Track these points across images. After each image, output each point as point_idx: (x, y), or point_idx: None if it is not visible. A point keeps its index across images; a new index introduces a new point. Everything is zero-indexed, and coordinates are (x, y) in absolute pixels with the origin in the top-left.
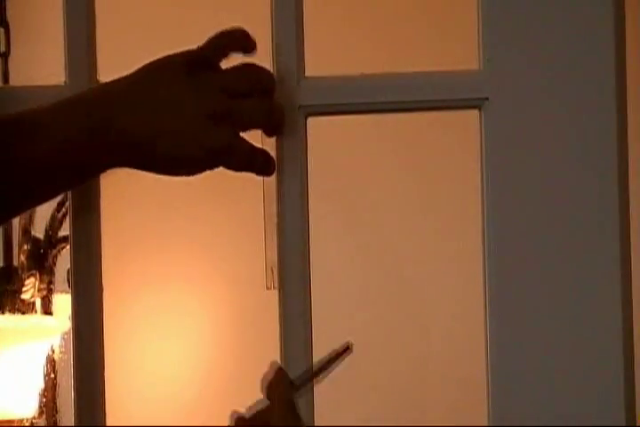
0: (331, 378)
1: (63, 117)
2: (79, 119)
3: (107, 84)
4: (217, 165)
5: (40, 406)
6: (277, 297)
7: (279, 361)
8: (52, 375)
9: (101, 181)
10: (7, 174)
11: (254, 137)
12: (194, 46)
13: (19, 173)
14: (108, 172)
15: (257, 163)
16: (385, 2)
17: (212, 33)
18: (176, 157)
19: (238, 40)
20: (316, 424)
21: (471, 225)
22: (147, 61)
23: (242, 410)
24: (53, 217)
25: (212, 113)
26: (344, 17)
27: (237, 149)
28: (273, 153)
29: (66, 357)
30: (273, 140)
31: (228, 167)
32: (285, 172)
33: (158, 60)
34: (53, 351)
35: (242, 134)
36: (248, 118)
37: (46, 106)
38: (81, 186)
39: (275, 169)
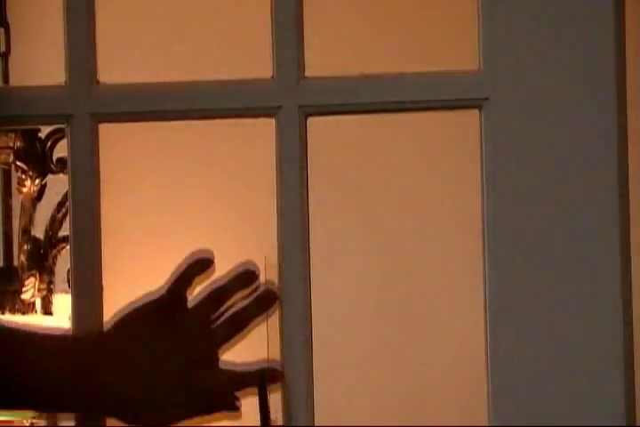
0: (331, 378)
1: (48, 363)
2: (61, 372)
3: (88, 343)
4: (205, 408)
5: None
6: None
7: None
8: None
9: (101, 182)
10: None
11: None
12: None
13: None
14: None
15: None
16: (385, 2)
17: (211, 34)
18: (149, 416)
19: (197, 270)
20: (315, 424)
21: (471, 225)
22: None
23: None
24: (53, 217)
25: (189, 353)
26: (344, 17)
27: (221, 383)
28: (273, 154)
29: None
30: (272, 140)
31: (218, 402)
32: (285, 172)
33: (129, 315)
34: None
35: None
36: (227, 336)
37: (37, 340)
38: (80, 186)
39: (281, 378)
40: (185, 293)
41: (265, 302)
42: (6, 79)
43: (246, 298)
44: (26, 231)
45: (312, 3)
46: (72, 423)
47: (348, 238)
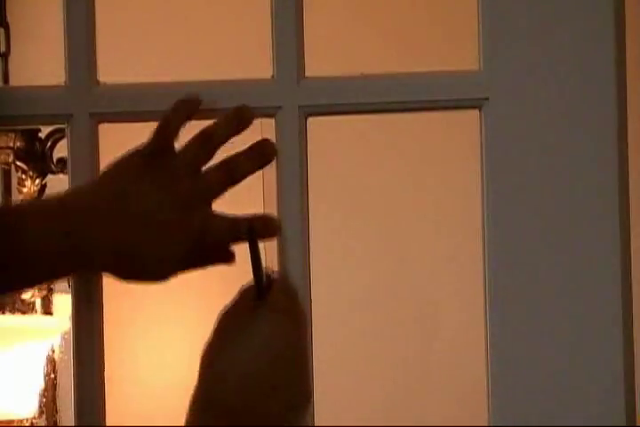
0: (331, 378)
1: (43, 230)
2: (58, 237)
3: (78, 197)
4: (195, 264)
5: (40, 406)
6: None
7: None
8: (52, 375)
9: None
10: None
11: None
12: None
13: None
14: None
15: (245, 230)
16: (385, 2)
17: (211, 34)
18: (151, 264)
19: (182, 114)
20: (316, 424)
21: (471, 225)
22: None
23: None
24: None
25: (179, 200)
26: (344, 17)
27: (213, 226)
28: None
29: (66, 357)
30: (272, 140)
31: (209, 259)
32: (285, 172)
33: (118, 163)
34: (53, 351)
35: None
36: (216, 187)
37: (29, 208)
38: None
39: (276, 231)
40: (171, 140)
41: (262, 153)
42: (6, 79)
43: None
44: None
45: (312, 3)
46: (72, 423)
47: (348, 238)
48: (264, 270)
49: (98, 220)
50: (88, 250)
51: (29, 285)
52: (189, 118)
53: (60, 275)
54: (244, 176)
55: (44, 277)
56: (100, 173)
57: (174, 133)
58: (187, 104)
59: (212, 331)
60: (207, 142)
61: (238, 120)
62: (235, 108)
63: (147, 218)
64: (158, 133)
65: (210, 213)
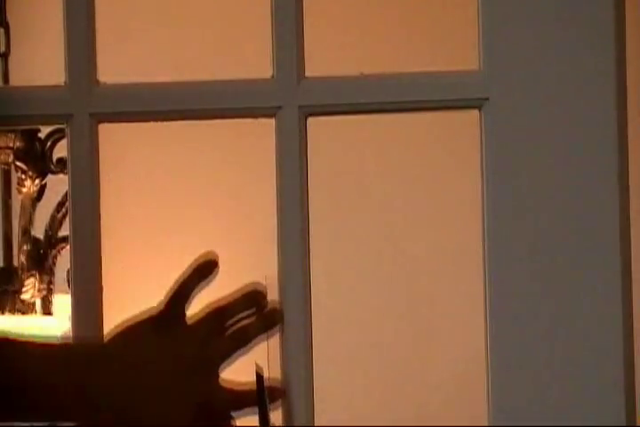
0: (331, 378)
1: (46, 375)
2: (60, 390)
3: (87, 355)
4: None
5: None
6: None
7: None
8: None
9: (101, 182)
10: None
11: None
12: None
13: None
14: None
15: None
16: (385, 2)
17: (211, 34)
18: (162, 424)
19: (198, 279)
20: (316, 424)
21: (471, 225)
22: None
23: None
24: (53, 217)
25: (186, 367)
26: (344, 17)
27: (217, 400)
28: (273, 154)
29: None
30: (272, 140)
31: (216, 415)
32: (285, 172)
33: (129, 327)
34: None
35: None
36: (225, 355)
37: (35, 350)
38: (80, 186)
39: (281, 396)
40: (183, 307)
41: (270, 322)
42: (6, 79)
43: (251, 316)
44: (25, 231)
45: (312, 3)
46: (72, 424)
47: (349, 238)
48: None
49: (102, 375)
50: (87, 402)
51: (19, 420)
52: (206, 283)
53: (53, 418)
54: (250, 343)
55: (32, 416)
56: (112, 334)
57: (188, 299)
58: (202, 269)
59: None
60: (219, 319)
61: (251, 302)
62: (252, 291)
63: (151, 384)
64: (172, 300)
65: (216, 383)
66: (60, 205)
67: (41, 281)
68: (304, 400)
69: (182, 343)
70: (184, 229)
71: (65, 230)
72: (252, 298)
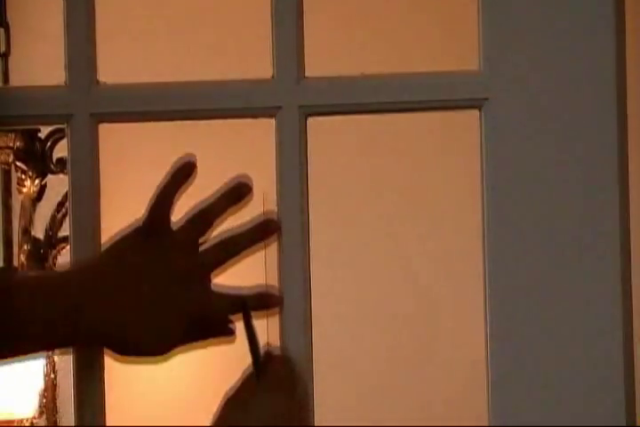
0: (331, 378)
1: (43, 304)
2: (58, 310)
3: (80, 273)
4: (193, 338)
5: (40, 407)
6: None
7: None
8: (52, 376)
9: (101, 182)
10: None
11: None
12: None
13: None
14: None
15: (245, 307)
16: (385, 2)
17: (211, 34)
18: (148, 343)
19: (177, 184)
20: (316, 424)
21: (471, 225)
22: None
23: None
24: (53, 218)
25: (176, 277)
26: (344, 17)
27: (210, 307)
28: (273, 154)
29: (66, 357)
30: (272, 140)
31: (206, 333)
32: (285, 172)
33: (119, 241)
34: (53, 351)
35: None
36: (212, 264)
37: (31, 281)
38: (80, 186)
39: (275, 305)
40: (167, 214)
41: (263, 231)
42: (6, 79)
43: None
44: (26, 231)
45: (312, 3)
46: (72, 424)
47: (349, 238)
48: (260, 348)
49: (97, 295)
50: (86, 325)
51: (14, 354)
52: (185, 186)
53: (55, 347)
54: (242, 251)
55: (35, 348)
56: (102, 249)
57: (170, 205)
58: (180, 172)
59: (216, 412)
60: (204, 219)
61: (235, 197)
62: (232, 186)
63: (145, 294)
64: (153, 209)
65: (209, 289)
66: (60, 205)
67: None
68: (302, 314)
69: (170, 250)
70: None
71: (65, 230)
72: (235, 192)
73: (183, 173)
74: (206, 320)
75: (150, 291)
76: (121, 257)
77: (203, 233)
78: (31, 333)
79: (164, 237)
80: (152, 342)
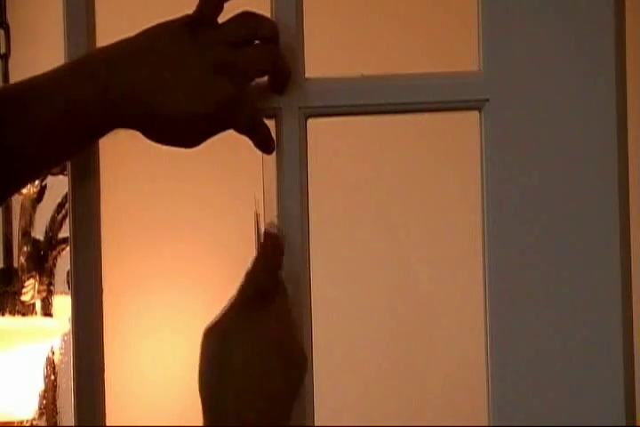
0: (331, 378)
1: (68, 80)
2: (82, 80)
3: (107, 46)
4: (221, 126)
5: (40, 408)
6: None
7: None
8: (52, 377)
9: (101, 182)
10: (18, 137)
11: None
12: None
13: (24, 137)
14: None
15: (260, 129)
16: (385, 2)
17: None
18: (178, 115)
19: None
20: (316, 424)
21: (471, 226)
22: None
23: None
24: (53, 219)
25: (215, 65)
26: (344, 17)
27: (243, 102)
28: (273, 157)
29: (66, 358)
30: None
31: (234, 125)
32: (285, 172)
33: (158, 24)
34: (53, 353)
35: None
36: (253, 65)
37: (47, 72)
38: (80, 187)
39: (274, 148)
40: (217, 5)
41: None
42: (6, 80)
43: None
44: (26, 233)
45: (312, 3)
46: (72, 424)
47: (349, 238)
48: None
49: (124, 60)
50: (116, 96)
51: (42, 164)
52: None
53: (68, 149)
54: (274, 65)
55: (51, 155)
56: (140, 31)
57: (220, 4)
58: None
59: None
60: (250, 19)
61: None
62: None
63: (175, 66)
64: (203, 2)
65: (244, 85)
66: (60, 206)
67: (41, 282)
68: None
69: (211, 42)
70: (184, 230)
71: (65, 232)
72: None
73: None
74: (235, 115)
75: (187, 69)
76: (160, 35)
77: (248, 34)
78: (60, 117)
79: (208, 29)
80: (182, 122)
